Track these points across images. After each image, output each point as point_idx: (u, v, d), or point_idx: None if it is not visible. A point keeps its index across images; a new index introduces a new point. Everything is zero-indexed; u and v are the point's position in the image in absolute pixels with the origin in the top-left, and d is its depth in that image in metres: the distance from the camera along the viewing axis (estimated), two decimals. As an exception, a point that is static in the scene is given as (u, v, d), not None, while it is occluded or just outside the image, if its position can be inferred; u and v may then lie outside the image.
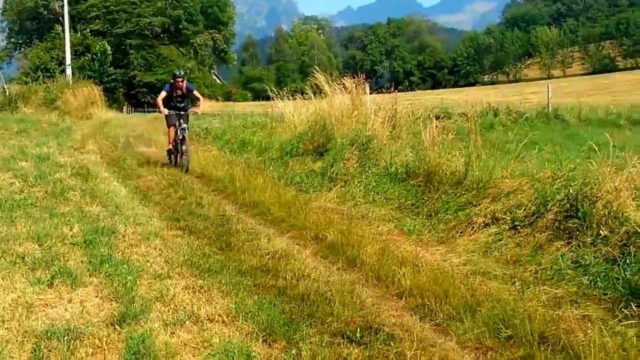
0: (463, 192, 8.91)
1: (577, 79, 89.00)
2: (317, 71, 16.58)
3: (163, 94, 14.40)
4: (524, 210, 7.71)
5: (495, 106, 23.17)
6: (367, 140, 12.00)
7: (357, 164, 11.65)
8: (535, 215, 7.50)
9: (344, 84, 14.99)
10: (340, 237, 7.73)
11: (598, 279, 5.93)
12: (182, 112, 14.30)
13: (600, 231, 6.63)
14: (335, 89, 15.27)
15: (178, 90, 14.36)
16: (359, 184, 10.76)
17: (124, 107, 66.06)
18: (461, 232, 7.96)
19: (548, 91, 25.08)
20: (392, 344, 4.76)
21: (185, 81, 14.54)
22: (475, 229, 7.91)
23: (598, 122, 22.02)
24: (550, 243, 6.93)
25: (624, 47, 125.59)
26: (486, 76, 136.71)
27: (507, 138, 10.78)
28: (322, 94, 15.94)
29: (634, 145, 13.20)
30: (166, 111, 14.17)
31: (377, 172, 11.04)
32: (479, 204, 8.40)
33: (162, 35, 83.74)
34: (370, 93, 16.15)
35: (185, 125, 14.09)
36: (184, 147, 13.90)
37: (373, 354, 4.60)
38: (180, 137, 13.94)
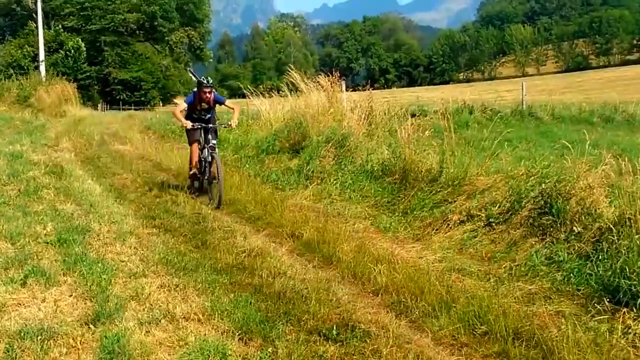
0: (438, 190, 8.94)
1: (550, 76, 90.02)
2: (292, 69, 16.56)
3: (183, 106, 11.11)
4: (499, 207, 7.77)
5: (470, 104, 23.26)
6: (343, 137, 12.00)
7: (333, 162, 11.65)
8: (510, 212, 7.56)
9: (319, 81, 14.97)
10: (316, 235, 7.74)
11: (571, 275, 5.99)
12: (209, 126, 10.87)
13: (574, 227, 6.69)
14: (311, 87, 15.25)
15: (203, 104, 10.94)
16: (335, 182, 10.76)
17: (99, 105, 65.53)
18: (437, 229, 8.00)
19: (522, 89, 25.29)
20: (368, 340, 4.77)
21: (213, 91, 11.03)
22: (450, 226, 7.95)
23: (571, 119, 22.26)
24: (525, 239, 6.98)
25: (596, 45, 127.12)
26: (462, 74, 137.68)
27: (482, 135, 10.84)
28: (298, 92, 15.92)
29: (607, 142, 13.39)
30: (189, 124, 10.60)
31: (353, 169, 11.05)
32: (454, 201, 8.44)
33: (137, 32, 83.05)
34: (347, 91, 16.18)
35: (214, 142, 10.75)
36: (213, 170, 10.54)
37: (349, 351, 4.61)
38: (209, 157, 10.60)
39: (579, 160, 7.35)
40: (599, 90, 43.87)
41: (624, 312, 5.04)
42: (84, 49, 65.40)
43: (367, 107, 14.07)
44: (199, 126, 10.77)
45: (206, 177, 10.78)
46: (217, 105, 11.19)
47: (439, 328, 5.06)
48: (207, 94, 10.82)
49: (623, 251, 5.73)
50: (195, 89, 10.99)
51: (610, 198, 6.96)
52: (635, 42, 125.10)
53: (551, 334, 4.81)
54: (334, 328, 4.96)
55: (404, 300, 5.66)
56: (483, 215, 7.80)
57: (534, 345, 4.65)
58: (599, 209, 6.79)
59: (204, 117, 11.01)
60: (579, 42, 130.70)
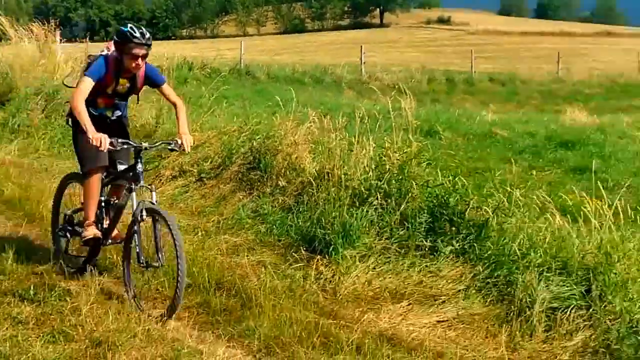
0: (152, 145, 8.91)
1: (270, 37, 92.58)
2: (1, 15, 15.47)
3: (88, 82, 4.88)
4: (211, 162, 7.97)
5: (190, 61, 23.24)
6: (55, 90, 11.58)
7: (43, 115, 11.24)
8: (221, 168, 7.80)
9: (32, 30, 14.18)
10: (19, 192, 7.40)
11: (274, 226, 6.33)
12: (142, 145, 4.99)
13: (279, 182, 7.07)
14: (22, 35, 14.38)
15: (122, 80, 5.11)
16: (43, 136, 10.39)
17: None
18: (149, 186, 7.98)
19: (241, 48, 25.81)
20: (68, 299, 4.62)
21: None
22: (162, 181, 8.02)
23: (285, 79, 23.21)
24: (234, 194, 7.25)
25: (312, 9, 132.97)
26: (185, 30, 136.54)
27: (200, 92, 10.97)
28: (7, 40, 14.95)
29: (315, 102, 14.22)
30: (103, 142, 4.68)
31: (63, 124, 10.58)
32: (168, 157, 8.47)
33: None
34: (63, 42, 15.50)
35: (141, 176, 4.88)
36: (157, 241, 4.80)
37: (47, 311, 4.46)
38: (141, 214, 4.75)
39: (287, 117, 7.72)
40: (313, 53, 46.27)
41: (318, 259, 5.46)
42: None
43: (82, 59, 13.59)
44: (122, 146, 4.90)
45: (136, 254, 4.77)
46: (151, 85, 5.27)
47: (145, 283, 5.05)
48: (139, 60, 4.91)
49: (321, 203, 6.15)
50: (108, 52, 5.08)
51: (313, 154, 7.43)
52: (346, 8, 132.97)
53: (251, 283, 5.08)
54: (32, 288, 4.75)
55: (110, 257, 5.56)
56: (195, 170, 7.95)
57: (234, 294, 4.87)
58: (302, 164, 7.23)
59: (107, 114, 5.27)
60: (296, 5, 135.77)
